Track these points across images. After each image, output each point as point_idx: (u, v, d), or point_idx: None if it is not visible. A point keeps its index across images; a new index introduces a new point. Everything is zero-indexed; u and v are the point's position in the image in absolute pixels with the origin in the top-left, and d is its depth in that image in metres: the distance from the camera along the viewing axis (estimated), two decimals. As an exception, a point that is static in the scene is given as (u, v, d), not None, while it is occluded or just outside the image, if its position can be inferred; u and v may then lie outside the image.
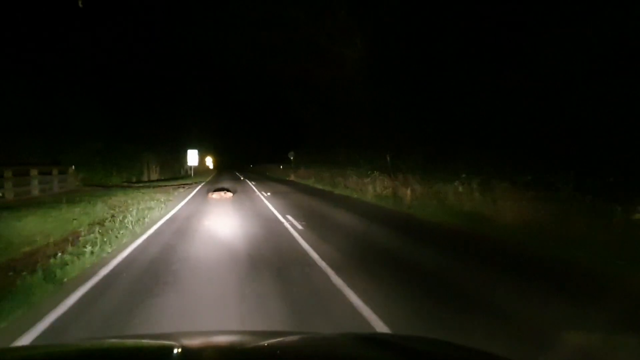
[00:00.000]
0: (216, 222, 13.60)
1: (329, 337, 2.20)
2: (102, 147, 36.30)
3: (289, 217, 14.72)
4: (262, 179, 45.20)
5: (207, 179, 46.73)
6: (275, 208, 17.48)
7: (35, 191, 23.61)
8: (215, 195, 21.89)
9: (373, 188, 22.50)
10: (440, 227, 13.04)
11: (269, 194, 24.45)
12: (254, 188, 29.90)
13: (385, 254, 9.27)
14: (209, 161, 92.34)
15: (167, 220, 14.33)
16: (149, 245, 9.95)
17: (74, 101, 33.03)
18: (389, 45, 23.04)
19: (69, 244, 9.72)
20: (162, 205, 18.27)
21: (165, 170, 58.15)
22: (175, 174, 60.28)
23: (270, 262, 8.24)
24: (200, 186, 33.71)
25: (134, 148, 43.83)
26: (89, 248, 9.10)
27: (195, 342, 2.09)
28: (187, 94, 63.03)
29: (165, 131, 53.60)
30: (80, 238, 10.67)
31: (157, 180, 46.56)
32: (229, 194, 22.21)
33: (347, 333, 2.45)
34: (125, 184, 38.32)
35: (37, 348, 2.68)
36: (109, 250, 9.50)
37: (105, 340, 2.71)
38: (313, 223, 13.29)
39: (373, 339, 2.09)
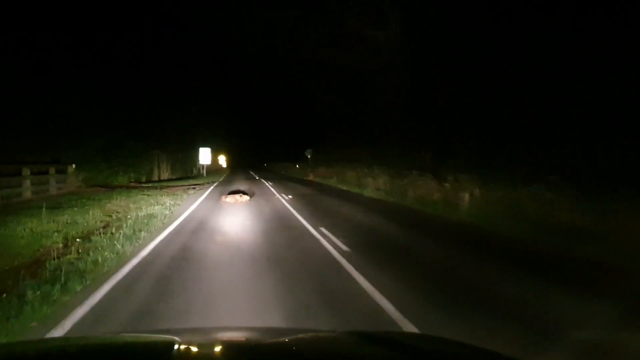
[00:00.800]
0: (232, 240, 10.52)
1: (333, 335, 2.12)
2: (106, 144, 33.44)
3: (324, 230, 11.64)
4: (279, 178, 42.18)
5: (220, 179, 43.84)
6: (302, 216, 14.42)
7: (27, 193, 20.85)
8: (230, 198, 18.88)
9: (413, 191, 19.39)
10: (531, 247, 9.95)
11: (290, 196, 21.40)
12: (272, 189, 26.87)
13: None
14: (222, 160, 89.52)
15: (170, 234, 11.31)
16: (137, 281, 6.90)
17: (77, 95, 30.28)
18: (431, 24, 19.89)
19: (21, 278, 6.71)
20: (167, 212, 15.29)
21: (177, 169, 55.41)
22: (187, 173, 57.55)
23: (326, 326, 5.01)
24: (212, 187, 30.77)
25: (143, 146, 41.02)
26: (30, 294, 6.07)
27: (196, 338, 2.01)
28: (199, 90, 60.27)
29: (176, 128, 50.92)
30: (49, 262, 7.71)
31: (168, 180, 43.83)
32: (245, 198, 19.20)
33: (351, 331, 2.20)
34: (133, 184, 35.55)
35: (36, 343, 2.66)
36: (78, 288, 6.49)
37: (107, 335, 2.90)
38: (357, 240, 10.22)
39: (378, 338, 1.93)
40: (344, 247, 9.36)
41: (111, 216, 14.96)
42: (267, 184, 33.69)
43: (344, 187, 27.91)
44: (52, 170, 24.30)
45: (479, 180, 14.76)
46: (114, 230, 11.39)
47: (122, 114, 35.78)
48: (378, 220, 13.92)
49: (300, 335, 2.19)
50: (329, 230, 11.42)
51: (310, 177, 41.53)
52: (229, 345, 1.81)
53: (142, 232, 11.16)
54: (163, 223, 13.13)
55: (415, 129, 22.89)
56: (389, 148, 26.00)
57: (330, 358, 1.67)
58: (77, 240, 10.38)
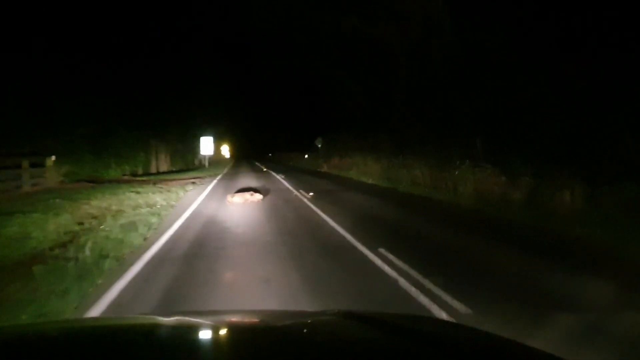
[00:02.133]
0: (249, 279, 6.52)
1: (316, 315, 2.12)
2: (94, 133, 29.42)
3: (387, 254, 7.65)
4: (289, 170, 38.10)
5: (224, 171, 39.88)
6: (344, 227, 10.34)
7: (-9, 191, 17.11)
8: (238, 198, 14.92)
9: (464, 186, 15.41)
10: None
11: (311, 194, 17.40)
12: (285, 184, 22.83)
13: None
14: (225, 150, 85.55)
15: (150, 263, 7.33)
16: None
17: (60, 78, 26.32)
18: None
19: None
20: (155, 220, 11.34)
21: (177, 160, 51.43)
22: (188, 165, 53.58)
23: None
24: (216, 180, 26.79)
25: (138, 135, 37.06)
26: None
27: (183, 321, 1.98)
28: (200, 76, 56.23)
29: (176, 117, 47.01)
30: None
31: (166, 173, 39.97)
32: (257, 197, 15.24)
33: (338, 311, 2.04)
34: (126, 177, 31.67)
35: (36, 325, 2.66)
36: None
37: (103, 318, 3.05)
38: (455, 279, 6.25)
39: (366, 318, 1.85)
40: (450, 300, 5.36)
41: (83, 224, 11.14)
42: (277, 177, 29.67)
43: (369, 181, 23.84)
44: (25, 163, 20.41)
45: (575, 176, 10.76)
46: (71, 254, 7.56)
47: (112, 100, 31.72)
48: (454, 232, 9.95)
49: (285, 315, 2.28)
50: (395, 255, 7.43)
51: (324, 169, 37.52)
52: (211, 329, 1.74)
53: (107, 261, 7.18)
54: (145, 239, 9.16)
55: (460, 113, 18.88)
56: (423, 135, 21.96)
57: (319, 341, 1.57)
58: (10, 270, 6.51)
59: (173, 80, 46.13)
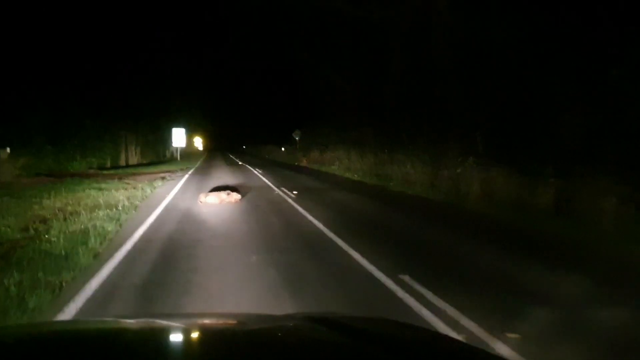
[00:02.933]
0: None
1: (283, 319, 2.06)
2: (53, 122, 27.02)
3: (412, 282, 5.90)
4: (267, 164, 36.07)
5: (197, 164, 37.65)
6: (344, 238, 8.57)
7: None
8: (212, 198, 13.00)
9: (466, 186, 13.77)
10: None
11: (295, 192, 15.56)
12: (265, 180, 20.91)
13: None
14: (198, 142, 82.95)
15: (101, 291, 5.47)
16: None
17: (18, 62, 23.93)
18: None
19: None
20: (112, 228, 9.36)
21: (147, 153, 49.08)
22: (159, 157, 51.26)
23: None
24: (187, 175, 24.71)
25: (105, 125, 34.69)
26: None
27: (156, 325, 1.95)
28: (173, 65, 53.80)
29: (147, 107, 44.59)
30: None
31: (136, 166, 37.64)
32: (235, 196, 13.35)
33: (298, 314, 2.26)
34: (92, 171, 29.36)
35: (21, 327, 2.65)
36: None
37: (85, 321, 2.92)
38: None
39: (333, 322, 1.82)
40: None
41: (27, 230, 9.29)
42: (255, 171, 27.69)
43: (355, 177, 22.06)
44: (-29, 155, 18.19)
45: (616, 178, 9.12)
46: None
47: (75, 88, 29.29)
48: (487, 248, 8.21)
49: (246, 319, 2.19)
50: (432, 290, 5.65)
51: (304, 163, 35.67)
52: (176, 332, 1.73)
53: (36, 296, 5.24)
54: (95, 256, 7.21)
55: (458, 105, 17.22)
56: (414, 128, 20.28)
57: (284, 346, 1.54)
58: None
59: (144, 69, 43.74)
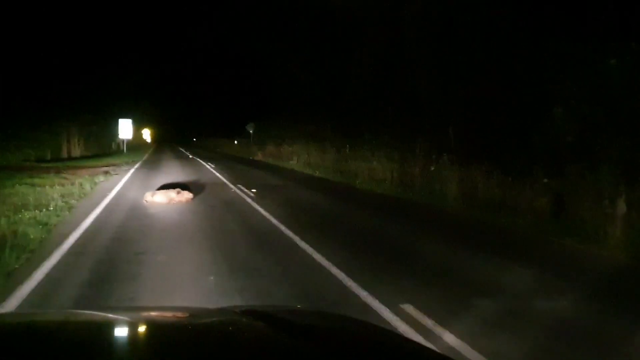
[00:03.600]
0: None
1: (217, 314, 2.00)
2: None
3: (422, 316, 4.63)
4: (220, 158, 34.23)
5: (144, 157, 35.54)
6: (316, 247, 7.24)
7: None
8: (160, 197, 11.44)
9: (440, 185, 12.68)
10: None
11: (254, 190, 14.10)
12: (219, 176, 19.31)
13: None
14: (146, 134, 79.76)
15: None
16: None
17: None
18: None
19: None
20: (36, 235, 7.71)
21: (92, 144, 46.21)
22: (104, 149, 48.40)
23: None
24: (133, 169, 22.82)
25: (42, 114, 32.11)
26: None
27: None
28: (120, 53, 51.08)
29: (91, 97, 41.93)
30: None
31: (79, 158, 35.14)
32: (186, 195, 11.82)
33: (227, 308, 2.14)
34: (28, 164, 26.95)
35: None
36: None
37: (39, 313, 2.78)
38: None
39: (269, 316, 1.76)
40: None
41: None
42: (207, 165, 25.96)
43: (317, 174, 20.69)
44: None
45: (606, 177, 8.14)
46: None
47: (4, 71, 26.81)
48: (493, 261, 6.99)
49: (174, 313, 2.17)
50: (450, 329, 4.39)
51: (259, 157, 34.08)
52: (104, 326, 1.70)
53: None
54: (7, 275, 5.63)
55: (428, 97, 16.14)
56: (379, 122, 19.14)
57: (213, 341, 1.50)
58: None
59: (86, 56, 41.12)
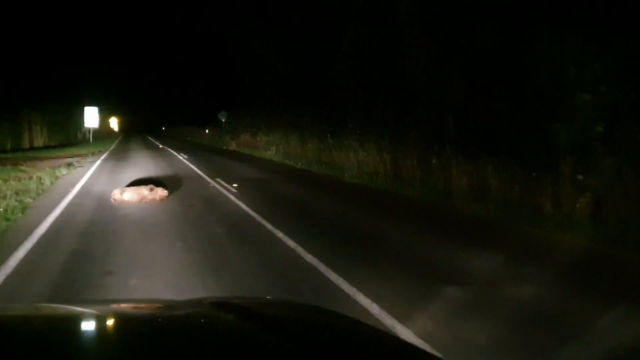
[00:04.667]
0: None
1: (183, 304, 1.95)
2: None
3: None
4: (192, 148, 32.47)
5: (111, 147, 33.69)
6: (336, 268, 5.90)
7: None
8: (130, 194, 9.99)
9: (444, 180, 11.49)
10: None
11: (234, 185, 12.69)
12: (194, 168, 17.80)
13: None
14: (114, 123, 77.11)
15: None
16: None
17: None
18: None
19: None
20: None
21: (56, 134, 43.99)
22: (70, 139, 46.17)
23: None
24: (100, 160, 21.16)
25: (1, 103, 29.99)
26: None
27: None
28: (85, 37, 48.60)
29: (55, 84, 39.67)
30: None
31: (42, 149, 33.23)
32: (160, 192, 10.36)
33: (195, 299, 2.02)
34: (-16, 154, 25.02)
35: None
36: None
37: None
38: None
39: (240, 309, 1.73)
40: None
41: None
42: (179, 156, 24.35)
43: (299, 165, 19.32)
44: None
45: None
46: None
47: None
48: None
49: (150, 305, 2.16)
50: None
51: (233, 147, 32.50)
52: (70, 320, 1.65)
53: None
54: None
55: (420, 82, 14.92)
56: (366, 110, 17.88)
57: (179, 334, 1.46)
58: None
59: (51, 43, 38.78)
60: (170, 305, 2.12)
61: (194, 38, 47.06)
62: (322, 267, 5.67)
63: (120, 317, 1.71)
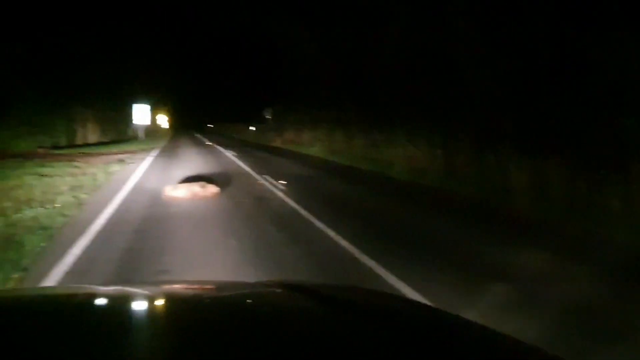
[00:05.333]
0: None
1: (258, 286, 1.98)
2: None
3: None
4: (239, 145, 32.73)
5: (162, 144, 34.31)
6: (404, 278, 5.74)
7: None
8: (182, 191, 10.03)
9: (502, 178, 11.06)
10: None
11: (283, 182, 12.62)
12: (242, 165, 17.85)
13: None
14: (162, 120, 78.54)
15: None
16: None
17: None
18: None
19: None
20: (33, 246, 6.28)
21: (109, 130, 45.09)
22: (121, 135, 47.27)
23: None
24: (151, 157, 21.48)
25: (55, 99, 30.84)
26: None
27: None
28: (136, 35, 49.55)
29: (106, 81, 40.58)
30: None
31: (94, 145, 34.12)
32: (211, 189, 10.39)
33: (270, 281, 2.03)
34: (42, 150, 25.86)
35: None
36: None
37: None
38: None
39: (309, 290, 1.73)
40: None
41: None
42: (226, 153, 24.55)
43: (345, 162, 19.12)
44: None
45: None
46: None
47: (10, 52, 25.44)
48: None
49: (222, 286, 2.14)
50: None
51: (278, 143, 32.62)
52: (150, 299, 1.65)
53: None
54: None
55: (476, 74, 14.42)
56: (413, 106, 17.47)
57: (261, 313, 1.47)
58: None
59: (101, 38, 39.64)
60: (242, 285, 2.18)
61: (240, 36, 47.33)
62: (380, 270, 5.48)
63: (190, 298, 1.74)
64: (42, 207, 8.80)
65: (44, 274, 5.15)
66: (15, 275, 5.12)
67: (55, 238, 6.77)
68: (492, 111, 13.30)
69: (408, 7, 16.49)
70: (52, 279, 5.00)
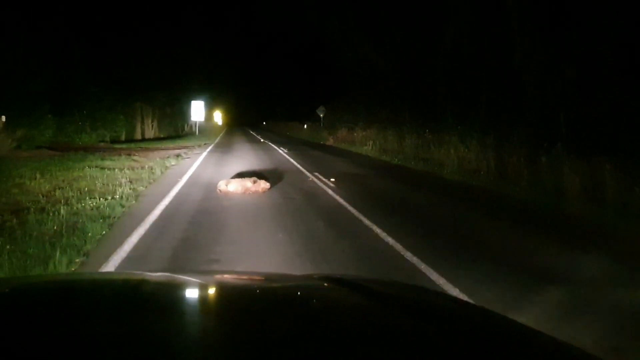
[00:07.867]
0: None
1: (305, 279, 2.05)
2: (53, 88, 24.39)
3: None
4: (291, 143, 33.16)
5: (216, 140, 35.08)
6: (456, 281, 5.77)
7: None
8: (235, 186, 10.30)
9: (554, 180, 10.81)
10: None
11: (332, 179, 12.77)
12: (293, 162, 18.13)
13: None
14: (217, 116, 79.98)
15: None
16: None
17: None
18: None
19: None
20: (95, 232, 6.66)
21: (165, 126, 46.47)
22: (177, 131, 48.61)
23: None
24: (205, 153, 22.09)
25: (117, 96, 32.00)
26: None
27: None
28: (192, 33, 50.76)
29: (164, 78, 41.79)
30: None
31: (152, 140, 35.35)
32: (262, 185, 10.61)
33: (315, 274, 2.25)
34: (103, 144, 27.07)
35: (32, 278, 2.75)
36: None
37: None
38: None
39: (356, 285, 1.74)
40: None
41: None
42: (279, 150, 24.92)
43: (395, 161, 19.11)
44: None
45: None
46: None
47: (78, 52, 26.60)
48: None
49: (265, 278, 2.12)
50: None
51: (330, 142, 32.77)
52: (202, 288, 1.69)
53: None
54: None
55: (532, 76, 14.17)
56: (466, 106, 17.30)
57: (312, 305, 1.52)
58: None
59: (160, 36, 40.81)
60: (290, 278, 2.19)
61: (296, 34, 47.76)
62: (422, 266, 5.53)
63: (244, 288, 1.76)
64: (102, 197, 9.25)
65: (101, 261, 5.46)
66: (78, 260, 5.46)
67: (115, 227, 7.14)
68: (545, 112, 13.03)
69: (463, 6, 16.29)
70: (111, 265, 5.31)
